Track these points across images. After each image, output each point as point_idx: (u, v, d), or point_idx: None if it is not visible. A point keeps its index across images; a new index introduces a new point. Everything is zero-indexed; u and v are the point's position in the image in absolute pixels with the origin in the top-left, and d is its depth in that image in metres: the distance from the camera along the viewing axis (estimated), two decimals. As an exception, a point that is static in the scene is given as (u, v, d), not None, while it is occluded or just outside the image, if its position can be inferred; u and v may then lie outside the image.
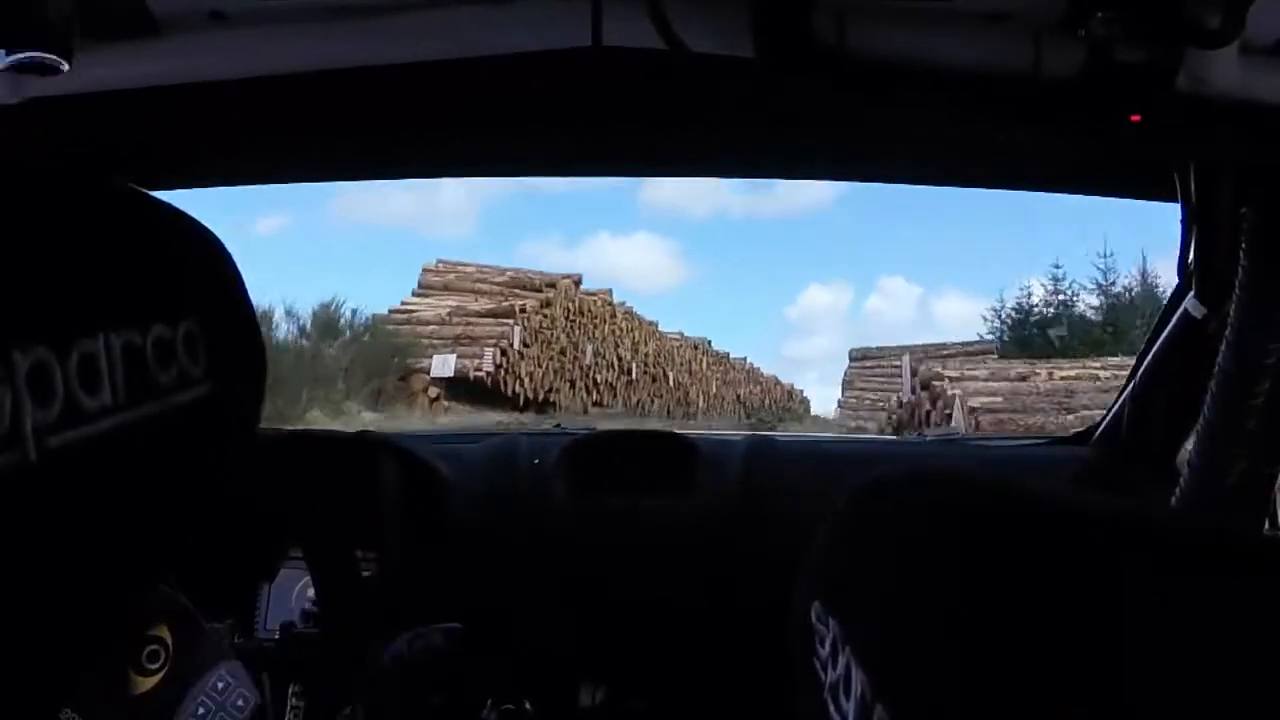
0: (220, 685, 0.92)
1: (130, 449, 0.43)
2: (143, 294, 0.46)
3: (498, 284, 11.34)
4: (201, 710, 0.91)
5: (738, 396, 17.03)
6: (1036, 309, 22.06)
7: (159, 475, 0.47)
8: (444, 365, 9.67)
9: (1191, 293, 1.29)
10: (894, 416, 9.73)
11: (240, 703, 0.92)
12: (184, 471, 0.49)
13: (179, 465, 0.49)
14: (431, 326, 10.30)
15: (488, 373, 9.69)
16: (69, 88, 0.73)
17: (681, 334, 15.03)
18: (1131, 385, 1.49)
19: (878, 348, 13.58)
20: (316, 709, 1.03)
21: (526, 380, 10.19)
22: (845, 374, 13.69)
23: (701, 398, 14.92)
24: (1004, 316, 23.58)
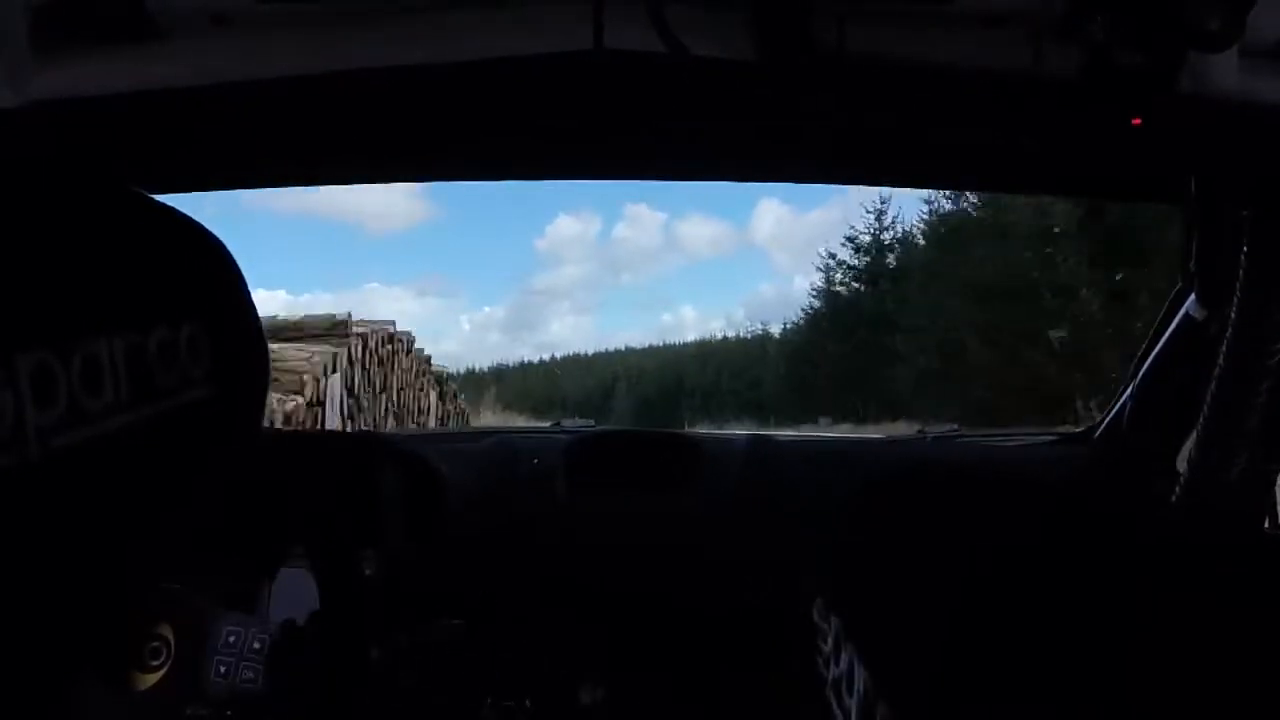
0: (232, 639, 0.93)
1: (133, 450, 0.43)
2: (145, 296, 0.46)
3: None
4: (223, 669, 0.93)
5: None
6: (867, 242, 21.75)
7: (161, 476, 0.47)
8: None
9: (1192, 294, 1.30)
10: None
11: (257, 645, 0.94)
12: (186, 472, 0.49)
13: (181, 466, 0.49)
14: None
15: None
16: (72, 90, 0.73)
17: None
18: (1133, 384, 1.49)
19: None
20: (317, 704, 1.03)
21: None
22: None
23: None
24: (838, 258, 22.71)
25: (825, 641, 0.95)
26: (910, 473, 1.47)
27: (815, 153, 1.13)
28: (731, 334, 34.96)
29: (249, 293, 0.56)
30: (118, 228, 0.47)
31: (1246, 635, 0.74)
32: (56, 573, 0.40)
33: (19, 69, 0.69)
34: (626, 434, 1.71)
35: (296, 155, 1.11)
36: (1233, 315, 1.10)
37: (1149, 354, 1.44)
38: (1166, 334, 1.39)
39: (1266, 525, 1.20)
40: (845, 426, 15.39)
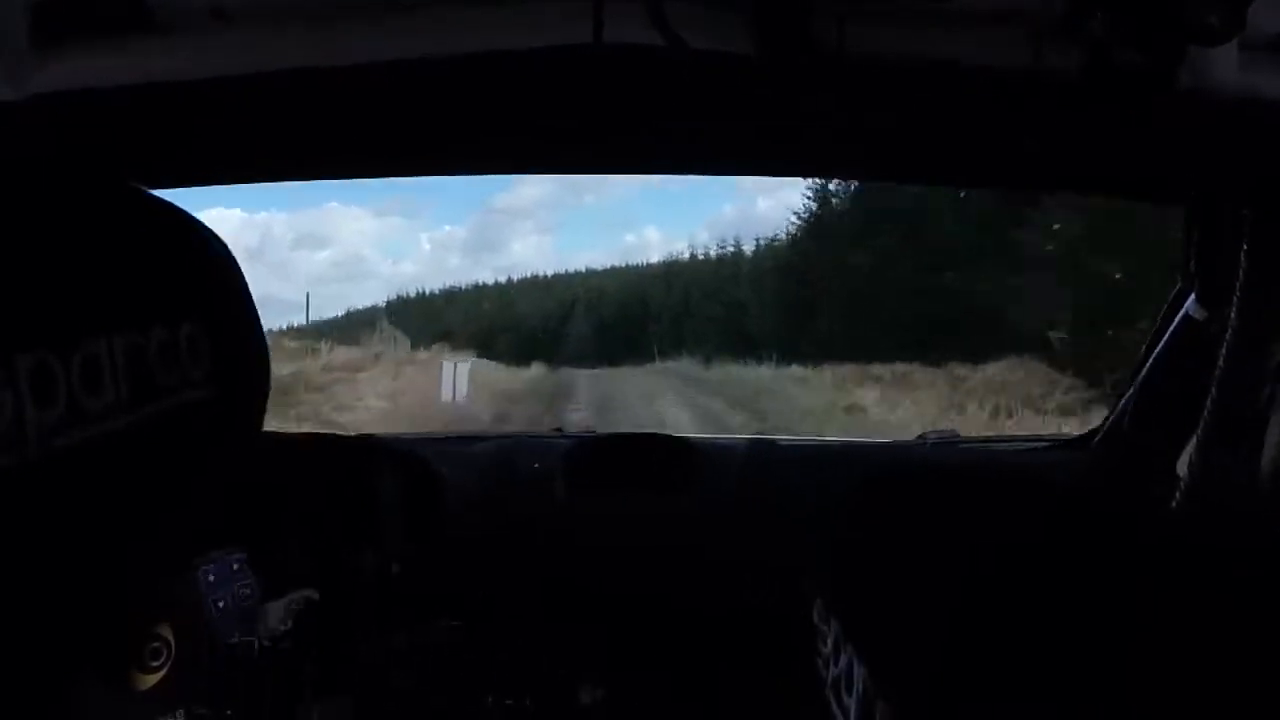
0: (212, 578, 0.93)
1: (132, 450, 0.43)
2: (145, 295, 0.46)
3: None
4: (221, 603, 0.93)
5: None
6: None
7: (161, 476, 0.47)
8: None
9: (1192, 295, 1.30)
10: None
11: (236, 566, 0.93)
12: (186, 473, 0.49)
13: (181, 466, 0.48)
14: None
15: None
16: (70, 85, 0.73)
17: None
18: (1133, 387, 1.49)
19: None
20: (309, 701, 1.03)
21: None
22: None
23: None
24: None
25: (825, 642, 0.95)
26: (910, 475, 1.47)
27: (814, 149, 1.13)
28: (700, 254, 31.60)
29: (249, 292, 0.56)
30: (118, 226, 0.47)
31: (1248, 637, 0.74)
32: (57, 573, 0.40)
33: (19, 64, 0.69)
34: (626, 438, 1.72)
35: (296, 149, 1.10)
36: (1233, 316, 1.09)
37: (1149, 356, 1.44)
38: (1167, 335, 1.39)
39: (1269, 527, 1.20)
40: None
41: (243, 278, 0.55)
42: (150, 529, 0.47)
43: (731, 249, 28.84)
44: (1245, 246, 1.08)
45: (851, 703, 0.76)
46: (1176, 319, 1.36)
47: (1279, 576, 0.97)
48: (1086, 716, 0.77)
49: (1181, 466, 1.26)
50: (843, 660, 0.83)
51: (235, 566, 0.95)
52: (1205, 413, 1.13)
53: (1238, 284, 1.09)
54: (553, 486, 1.54)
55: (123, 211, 0.48)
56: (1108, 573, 0.97)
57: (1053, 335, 12.56)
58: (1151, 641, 0.83)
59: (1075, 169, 1.19)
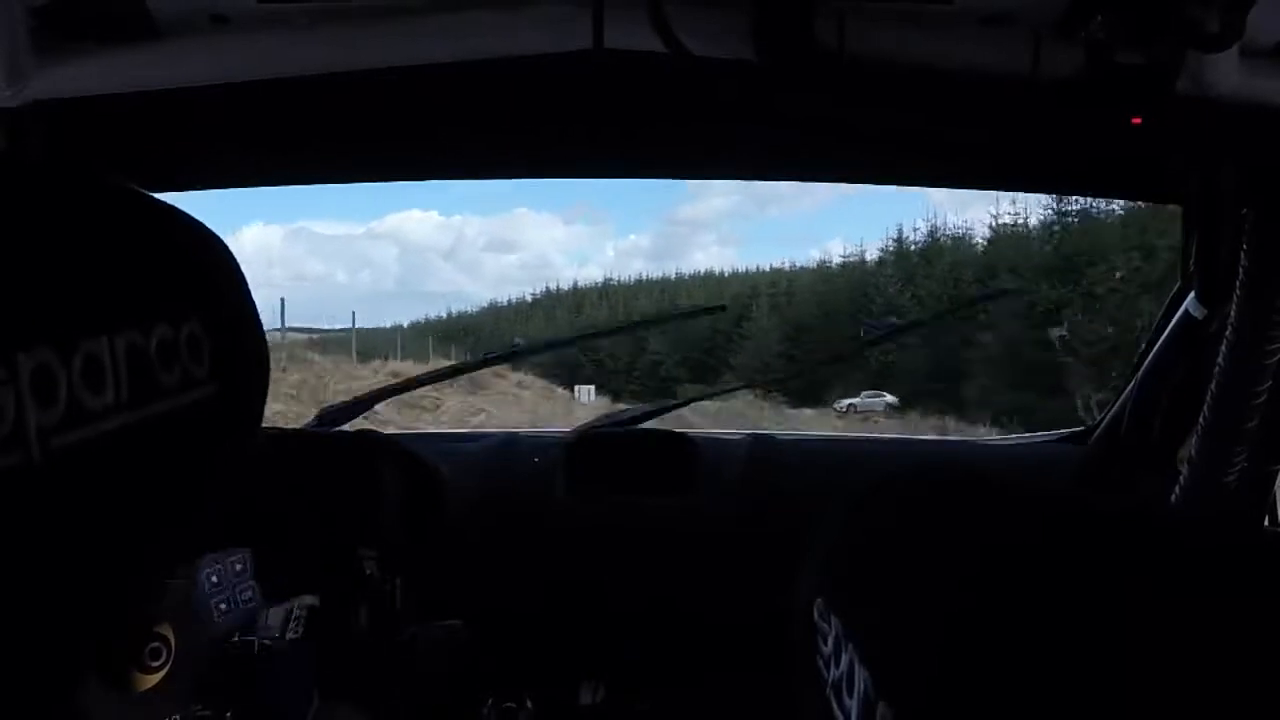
0: (215, 579, 0.92)
1: (134, 450, 0.43)
2: (145, 295, 0.46)
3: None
4: (223, 605, 0.92)
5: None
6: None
7: (162, 476, 0.47)
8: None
9: (1192, 293, 1.30)
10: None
11: (239, 567, 0.93)
12: (188, 472, 0.49)
13: (182, 466, 0.49)
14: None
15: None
16: (71, 90, 0.73)
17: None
18: (1132, 384, 1.49)
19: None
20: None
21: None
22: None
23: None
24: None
25: (825, 642, 0.95)
26: (910, 472, 1.47)
27: (815, 152, 1.13)
28: (944, 236, 21.55)
29: (249, 290, 0.56)
30: (118, 226, 0.47)
31: (1247, 636, 0.74)
32: (59, 574, 0.40)
33: (19, 68, 0.69)
34: (627, 434, 1.71)
35: (296, 155, 1.11)
36: (1232, 315, 1.10)
37: (1149, 353, 1.45)
38: (1166, 333, 1.39)
39: (1266, 524, 1.21)
40: None
41: (242, 276, 0.55)
42: (151, 528, 0.47)
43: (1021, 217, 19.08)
44: (1245, 246, 1.08)
45: (853, 704, 0.76)
46: (1176, 317, 1.36)
47: (1277, 574, 0.97)
48: (1088, 716, 0.77)
49: (1180, 463, 1.27)
50: (844, 661, 0.84)
51: (238, 568, 0.94)
52: (1204, 410, 1.13)
53: (1237, 283, 1.09)
54: (553, 483, 1.54)
55: (123, 213, 0.48)
56: (1107, 572, 0.97)
57: (1053, 333, 12.46)
58: (1150, 640, 0.84)
59: (1075, 169, 1.19)
